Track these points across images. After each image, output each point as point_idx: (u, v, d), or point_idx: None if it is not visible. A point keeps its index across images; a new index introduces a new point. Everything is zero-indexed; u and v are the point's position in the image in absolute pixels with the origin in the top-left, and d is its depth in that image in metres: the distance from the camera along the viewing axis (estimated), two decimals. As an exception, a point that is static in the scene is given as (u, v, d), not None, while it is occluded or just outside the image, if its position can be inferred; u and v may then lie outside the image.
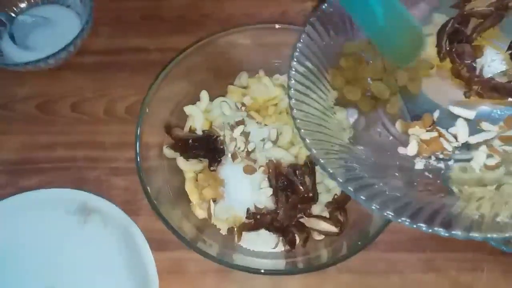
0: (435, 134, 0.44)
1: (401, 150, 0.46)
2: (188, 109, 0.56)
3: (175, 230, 0.47)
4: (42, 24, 0.65)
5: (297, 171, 0.51)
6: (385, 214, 0.38)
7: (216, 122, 0.56)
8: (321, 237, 0.51)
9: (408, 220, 0.37)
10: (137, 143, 0.50)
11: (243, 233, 0.51)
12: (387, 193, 0.41)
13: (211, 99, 0.57)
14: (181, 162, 0.54)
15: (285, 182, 0.50)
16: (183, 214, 0.52)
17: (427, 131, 0.45)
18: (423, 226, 0.37)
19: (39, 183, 0.57)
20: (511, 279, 0.51)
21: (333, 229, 0.50)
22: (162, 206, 0.48)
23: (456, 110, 0.46)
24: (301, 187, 0.50)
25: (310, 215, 0.51)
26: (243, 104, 0.56)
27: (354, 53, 0.49)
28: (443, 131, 0.45)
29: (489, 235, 0.35)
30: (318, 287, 0.51)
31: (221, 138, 0.54)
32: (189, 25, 0.67)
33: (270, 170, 0.51)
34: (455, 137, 0.45)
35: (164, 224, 0.47)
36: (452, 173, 0.44)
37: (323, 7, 0.48)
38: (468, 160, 0.44)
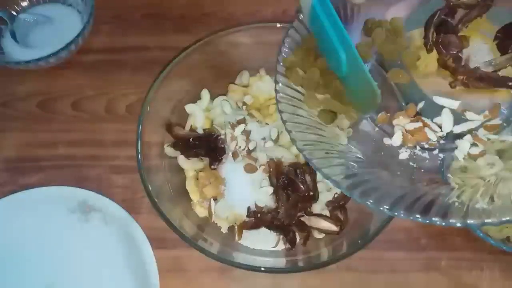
0: (419, 124, 0.44)
1: (386, 140, 0.46)
2: (189, 107, 0.57)
3: (176, 228, 0.47)
4: (43, 22, 0.65)
5: (297, 170, 0.51)
6: (381, 208, 0.38)
7: (217, 120, 0.56)
8: (322, 235, 0.51)
9: (402, 212, 0.37)
10: (138, 141, 0.50)
11: (244, 231, 0.51)
12: (382, 188, 0.41)
13: (212, 97, 0.57)
14: (182, 160, 0.54)
15: (286, 181, 0.51)
16: (184, 212, 0.52)
17: (411, 121, 0.45)
18: (419, 217, 0.37)
19: (39, 181, 0.57)
20: (510, 278, 0.51)
21: (333, 227, 0.50)
22: (163, 204, 0.48)
23: (440, 100, 0.45)
24: (301, 186, 0.51)
25: (310, 214, 0.52)
26: (244, 103, 0.57)
27: (307, 47, 0.47)
28: (427, 121, 0.45)
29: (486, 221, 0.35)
30: (318, 286, 0.52)
31: (222, 137, 0.54)
32: (190, 24, 0.67)
33: (271, 169, 0.51)
34: (440, 126, 0.45)
35: (165, 222, 0.47)
36: (451, 167, 0.44)
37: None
38: (453, 150, 0.44)
